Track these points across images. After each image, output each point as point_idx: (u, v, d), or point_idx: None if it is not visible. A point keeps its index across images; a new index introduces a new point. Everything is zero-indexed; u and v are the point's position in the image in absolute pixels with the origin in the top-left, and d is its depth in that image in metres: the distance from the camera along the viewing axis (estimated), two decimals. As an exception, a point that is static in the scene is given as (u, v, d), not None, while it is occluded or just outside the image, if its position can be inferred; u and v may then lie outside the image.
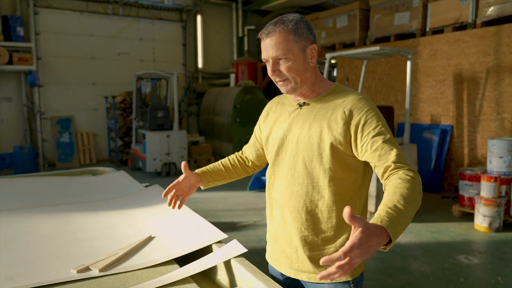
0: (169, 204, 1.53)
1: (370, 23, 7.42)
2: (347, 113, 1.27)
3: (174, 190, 1.47)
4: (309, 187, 1.31)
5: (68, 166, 8.49)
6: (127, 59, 9.65)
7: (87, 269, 1.53)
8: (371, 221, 0.96)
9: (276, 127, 1.45)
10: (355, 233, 0.89)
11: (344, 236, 1.32)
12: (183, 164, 1.49)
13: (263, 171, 6.42)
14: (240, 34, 11.47)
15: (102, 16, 9.25)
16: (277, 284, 1.31)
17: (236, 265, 1.45)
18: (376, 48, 4.58)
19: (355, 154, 1.28)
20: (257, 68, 10.77)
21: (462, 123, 5.98)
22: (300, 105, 1.39)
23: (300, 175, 1.33)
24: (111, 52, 9.43)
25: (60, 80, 8.85)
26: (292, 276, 1.40)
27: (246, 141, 9.16)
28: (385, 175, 1.20)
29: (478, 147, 5.78)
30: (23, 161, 7.59)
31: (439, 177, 6.07)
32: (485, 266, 3.43)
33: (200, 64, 10.96)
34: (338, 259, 0.84)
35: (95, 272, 1.50)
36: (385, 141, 1.22)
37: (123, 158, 8.81)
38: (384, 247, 0.97)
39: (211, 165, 1.64)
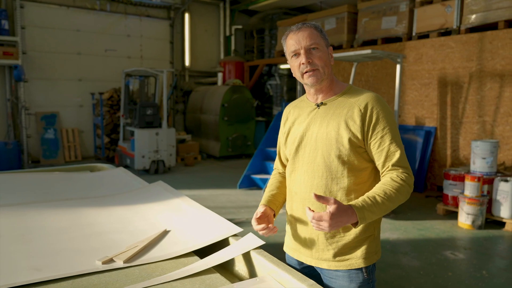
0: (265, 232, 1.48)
1: (358, 26, 7.60)
2: (362, 110, 1.41)
3: (263, 225, 1.47)
4: (328, 179, 1.42)
5: (53, 163, 8.36)
6: (114, 56, 9.56)
7: (111, 260, 1.58)
8: (351, 203, 1.28)
9: (294, 126, 1.55)
10: (330, 208, 1.22)
11: None
12: (261, 213, 1.50)
13: (252, 169, 6.51)
14: (228, 33, 11.52)
15: (89, 12, 9.13)
16: (299, 273, 1.41)
17: (256, 256, 1.52)
18: (368, 51, 4.73)
19: (365, 148, 1.42)
20: (244, 67, 10.84)
21: (445, 125, 6.21)
22: (318, 105, 1.49)
23: (320, 168, 1.43)
24: (98, 48, 9.33)
25: (45, 76, 8.70)
26: (313, 264, 1.49)
27: (234, 140, 9.23)
28: (383, 173, 1.42)
29: (461, 148, 6.02)
30: (8, 157, 7.45)
31: (423, 177, 6.29)
32: (470, 261, 3.62)
33: (187, 62, 10.95)
34: (315, 218, 1.23)
35: (119, 263, 1.56)
36: (391, 143, 1.39)
37: (110, 155, 8.74)
38: (353, 224, 1.28)
39: (266, 194, 1.65)
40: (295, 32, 1.44)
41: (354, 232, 1.42)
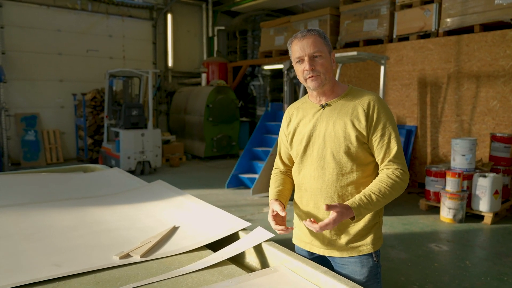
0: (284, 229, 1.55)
1: (340, 28, 7.78)
2: (366, 110, 1.52)
3: (283, 226, 1.54)
4: (338, 175, 1.52)
5: (34, 165, 8.20)
6: (96, 56, 9.45)
7: (128, 255, 1.64)
8: (347, 202, 1.43)
9: (300, 127, 1.64)
10: (333, 215, 1.38)
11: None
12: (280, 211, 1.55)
13: (240, 169, 6.59)
14: (210, 34, 11.55)
15: (70, 11, 8.99)
16: (311, 261, 1.50)
17: (267, 248, 1.60)
18: (354, 53, 4.89)
19: (368, 144, 1.54)
20: (227, 68, 10.90)
21: (425, 124, 6.46)
22: (323, 106, 1.59)
23: (330, 165, 1.53)
24: (79, 48, 9.20)
25: (25, 76, 8.52)
26: (326, 254, 1.59)
27: (218, 140, 9.28)
28: (381, 169, 1.54)
29: (440, 146, 6.28)
30: (-13, 159, 7.27)
31: (405, 174, 6.50)
32: (453, 253, 3.81)
33: (170, 63, 10.92)
34: (317, 227, 1.39)
35: (136, 258, 1.61)
36: (389, 140, 1.52)
37: (93, 156, 8.64)
38: (350, 218, 1.44)
39: (273, 190, 1.70)
40: (300, 39, 1.53)
41: (363, 220, 1.53)
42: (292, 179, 1.76)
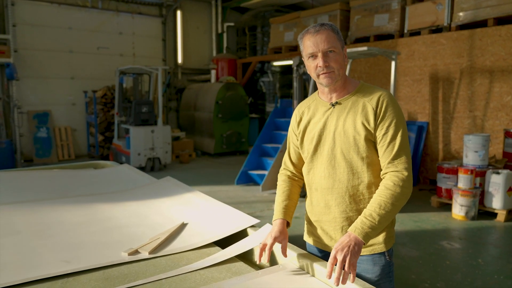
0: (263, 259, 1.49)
1: (350, 24, 7.70)
2: (374, 108, 1.48)
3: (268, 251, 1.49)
4: (349, 174, 1.49)
5: (46, 162, 8.30)
6: (106, 54, 9.51)
7: (137, 252, 1.64)
8: (349, 229, 1.37)
9: (310, 126, 1.60)
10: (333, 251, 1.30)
11: None
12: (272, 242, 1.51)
13: (249, 165, 6.58)
14: (220, 31, 11.54)
15: (80, 9, 9.06)
16: (320, 259, 1.49)
17: (276, 245, 1.59)
18: (364, 48, 4.83)
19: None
20: (236, 64, 10.88)
21: (437, 120, 6.36)
22: (333, 105, 1.56)
23: (341, 165, 1.50)
24: (90, 46, 9.26)
25: (37, 74, 8.62)
26: (338, 255, 1.57)
27: (228, 137, 9.28)
28: (382, 174, 1.49)
29: (452, 142, 6.18)
30: (0, 156, 7.38)
31: (416, 171, 6.44)
32: (466, 251, 3.75)
33: (179, 60, 10.93)
34: (335, 268, 1.27)
35: (145, 254, 1.62)
36: (391, 139, 1.45)
37: (104, 153, 8.72)
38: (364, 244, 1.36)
39: (279, 203, 1.64)
40: (314, 34, 1.48)
41: None
42: (300, 183, 1.72)
